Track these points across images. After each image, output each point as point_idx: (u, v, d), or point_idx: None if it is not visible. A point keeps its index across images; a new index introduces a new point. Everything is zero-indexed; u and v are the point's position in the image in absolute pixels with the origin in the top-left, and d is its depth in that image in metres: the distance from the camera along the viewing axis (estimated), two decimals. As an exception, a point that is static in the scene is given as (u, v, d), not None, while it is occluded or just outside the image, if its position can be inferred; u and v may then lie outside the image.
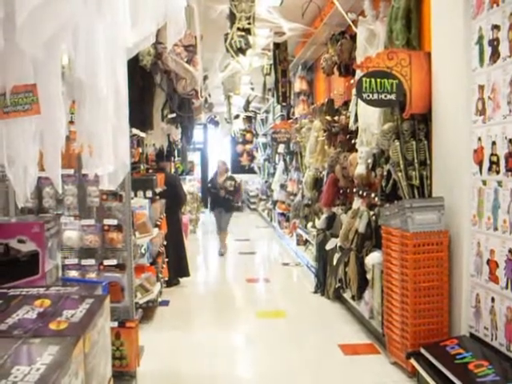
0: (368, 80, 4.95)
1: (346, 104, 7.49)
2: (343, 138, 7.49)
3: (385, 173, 5.52)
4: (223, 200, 11.60)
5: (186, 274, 8.73)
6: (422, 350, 4.47)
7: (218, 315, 7.08)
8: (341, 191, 7.94)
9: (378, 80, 4.95)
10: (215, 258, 11.72)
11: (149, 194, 6.81)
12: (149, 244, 6.59)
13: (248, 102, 17.76)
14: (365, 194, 6.54)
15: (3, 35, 2.16)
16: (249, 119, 21.21)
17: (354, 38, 6.82)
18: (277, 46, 11.09)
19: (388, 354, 5.17)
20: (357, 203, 6.78)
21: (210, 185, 12.13)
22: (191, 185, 15.37)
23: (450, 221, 4.72)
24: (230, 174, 12.36)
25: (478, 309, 4.37)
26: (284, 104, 12.20)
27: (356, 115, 6.43)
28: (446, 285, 4.70)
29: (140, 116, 5.49)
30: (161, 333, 6.18)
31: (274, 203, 15.23)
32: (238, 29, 7.27)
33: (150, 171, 8.56)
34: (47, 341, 1.58)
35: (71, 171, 4.36)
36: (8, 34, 2.18)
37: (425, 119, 5.09)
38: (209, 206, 12.60)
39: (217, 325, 6.60)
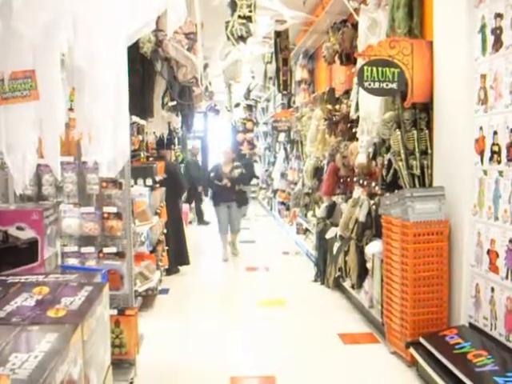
0: (369, 69, 4.93)
1: (347, 93, 7.47)
2: (344, 126, 7.47)
3: (385, 162, 5.51)
4: (233, 192, 10.00)
5: (185, 262, 8.73)
6: (422, 340, 4.48)
7: (217, 304, 7.09)
8: (341, 180, 7.93)
9: (380, 69, 4.93)
10: (215, 246, 11.73)
11: (149, 181, 6.81)
12: (148, 232, 6.59)
13: (249, 91, 17.72)
14: (365, 183, 6.53)
15: (2, 20, 2.14)
16: (249, 108, 21.17)
17: (355, 26, 6.79)
18: (278, 34, 11.05)
19: (387, 343, 5.17)
20: (357, 192, 6.77)
21: (212, 174, 10.27)
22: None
23: (451, 210, 4.72)
24: (236, 163, 10.68)
25: (478, 299, 4.37)
26: (285, 92, 12.17)
27: (357, 104, 6.41)
28: (445, 274, 4.70)
29: (140, 104, 5.47)
30: (160, 321, 6.19)
31: (274, 192, 15.23)
32: (239, 16, 7.24)
33: (151, 159, 8.55)
34: (45, 328, 1.57)
35: (71, 158, 4.35)
36: (6, 20, 2.16)
37: (426, 108, 5.07)
38: (211, 200, 10.63)
39: (216, 313, 6.62)
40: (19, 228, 2.49)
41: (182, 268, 8.68)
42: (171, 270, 8.42)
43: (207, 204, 15.44)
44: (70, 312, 1.73)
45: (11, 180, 3.58)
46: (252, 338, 5.83)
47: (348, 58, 7.42)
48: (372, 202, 6.14)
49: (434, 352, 4.23)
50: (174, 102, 6.81)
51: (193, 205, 14.69)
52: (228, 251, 10.14)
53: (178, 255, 8.55)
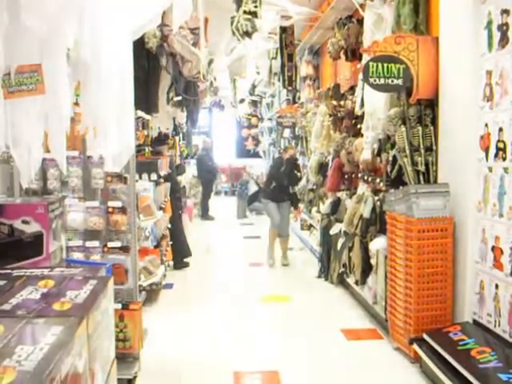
0: (375, 64, 4.92)
1: (352, 89, 7.46)
2: (349, 122, 7.46)
3: (390, 158, 5.50)
4: (287, 193, 9.13)
5: (187, 254, 8.77)
6: (425, 336, 4.48)
7: (221, 299, 7.10)
8: (346, 176, 7.93)
9: (385, 65, 4.92)
10: (219, 241, 11.75)
11: (153, 176, 6.81)
12: (153, 227, 6.60)
13: (254, 86, 17.69)
14: (370, 179, 6.52)
15: (8, 15, 2.15)
16: (254, 103, 21.15)
17: (361, 22, 6.77)
18: (283, 29, 11.03)
19: (391, 339, 5.18)
20: (362, 188, 6.77)
21: (282, 169, 9.08)
22: (196, 168, 15.30)
23: (455, 207, 4.71)
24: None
25: (482, 295, 4.37)
26: (290, 88, 12.15)
27: (362, 100, 6.40)
28: (450, 271, 4.69)
29: (145, 98, 5.47)
30: (164, 315, 6.20)
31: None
32: (245, 12, 7.22)
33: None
34: (51, 321, 1.58)
35: (76, 153, 4.36)
36: (13, 14, 2.17)
37: (431, 104, 5.07)
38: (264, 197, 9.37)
39: (220, 308, 6.63)
40: (24, 222, 2.50)
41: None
42: (178, 265, 8.48)
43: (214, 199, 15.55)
44: (75, 305, 1.74)
45: (17, 174, 3.59)
46: (255, 333, 5.84)
47: (353, 54, 7.41)
48: (376, 198, 6.13)
49: (437, 348, 4.24)
50: (179, 97, 6.81)
51: (198, 200, 14.70)
52: (275, 254, 9.22)
53: (179, 249, 8.58)
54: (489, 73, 4.25)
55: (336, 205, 7.83)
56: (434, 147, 4.99)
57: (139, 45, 4.83)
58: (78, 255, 4.32)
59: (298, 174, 9.26)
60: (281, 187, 9.00)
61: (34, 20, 2.12)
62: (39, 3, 2.09)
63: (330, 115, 8.28)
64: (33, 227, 2.50)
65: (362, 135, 6.58)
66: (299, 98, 12.51)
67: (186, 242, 8.88)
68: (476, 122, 4.42)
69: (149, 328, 5.21)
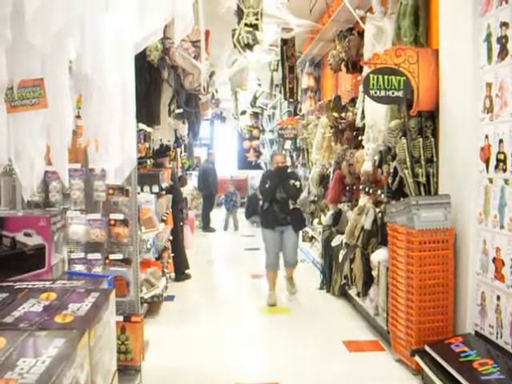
0: (375, 77, 4.95)
1: (353, 101, 7.49)
2: (350, 134, 7.48)
3: (391, 170, 5.51)
4: (287, 211, 7.35)
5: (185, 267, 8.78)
6: (427, 348, 4.47)
7: (223, 310, 7.09)
8: (347, 188, 7.94)
9: (386, 77, 4.94)
10: (220, 253, 11.73)
11: (155, 188, 6.82)
12: (154, 239, 6.60)
13: (255, 98, 17.74)
14: (371, 190, 6.53)
15: (12, 30, 2.17)
16: (256, 115, 21.18)
17: (361, 34, 6.81)
18: (284, 42, 11.07)
19: (392, 351, 5.16)
20: (363, 200, 6.78)
21: (268, 185, 7.34)
22: (197, 180, 15.31)
23: (456, 218, 4.72)
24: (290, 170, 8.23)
25: (484, 307, 4.37)
26: (291, 100, 12.18)
27: (363, 112, 6.42)
28: (451, 282, 4.69)
29: (147, 111, 5.50)
30: (166, 327, 6.20)
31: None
32: (246, 24, 7.25)
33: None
34: (53, 334, 1.59)
35: (78, 166, 4.38)
36: (16, 29, 2.18)
37: (432, 116, 5.08)
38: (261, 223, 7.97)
39: (222, 320, 6.61)
40: (27, 234, 2.51)
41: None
42: (180, 277, 8.48)
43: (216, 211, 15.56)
44: (77, 318, 1.74)
45: (19, 187, 3.61)
46: (257, 344, 5.83)
47: (354, 66, 7.45)
48: (378, 209, 6.14)
49: (439, 360, 4.22)
50: (181, 110, 6.84)
51: (199, 211, 14.70)
52: (276, 293, 7.45)
53: (180, 261, 8.58)
54: (488, 85, 4.27)
55: (337, 216, 7.83)
56: (435, 159, 5.01)
57: (141, 58, 4.86)
58: (79, 267, 4.33)
59: (297, 182, 7.36)
60: (276, 206, 7.33)
61: (37, 38, 2.14)
62: (44, 21, 2.11)
63: (331, 127, 8.29)
64: (35, 240, 2.51)
65: (362, 147, 6.60)
66: (300, 110, 12.54)
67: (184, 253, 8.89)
68: (476, 134, 4.43)
69: (150, 340, 5.20)
